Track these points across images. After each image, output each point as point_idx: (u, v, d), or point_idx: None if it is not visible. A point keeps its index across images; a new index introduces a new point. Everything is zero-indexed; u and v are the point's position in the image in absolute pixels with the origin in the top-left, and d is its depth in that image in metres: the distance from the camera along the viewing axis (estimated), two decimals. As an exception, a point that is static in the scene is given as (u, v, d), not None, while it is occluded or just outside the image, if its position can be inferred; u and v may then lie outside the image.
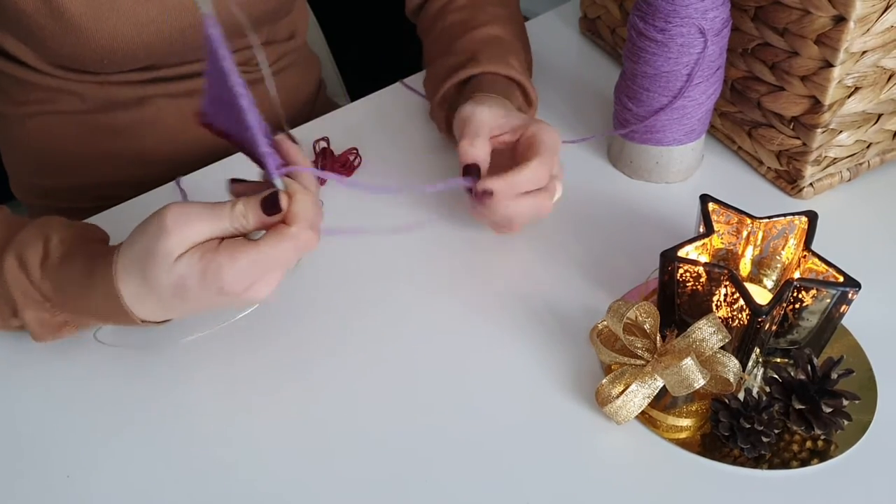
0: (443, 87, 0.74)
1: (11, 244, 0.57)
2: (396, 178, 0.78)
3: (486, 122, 0.65)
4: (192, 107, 0.86)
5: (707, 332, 0.55)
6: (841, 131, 0.70)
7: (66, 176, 0.87)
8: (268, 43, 0.89)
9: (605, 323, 0.60)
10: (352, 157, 0.78)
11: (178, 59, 0.81)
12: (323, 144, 0.78)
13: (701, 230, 0.61)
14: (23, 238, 0.57)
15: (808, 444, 0.56)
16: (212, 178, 0.78)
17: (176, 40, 0.77)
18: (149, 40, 0.75)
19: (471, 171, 0.64)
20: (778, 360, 0.61)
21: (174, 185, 0.78)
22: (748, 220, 0.61)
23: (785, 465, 0.55)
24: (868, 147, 0.74)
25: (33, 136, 0.85)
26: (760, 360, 0.60)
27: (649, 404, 0.56)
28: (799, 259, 0.59)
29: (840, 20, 0.64)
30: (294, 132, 0.84)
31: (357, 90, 1.06)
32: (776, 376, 0.56)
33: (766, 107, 0.73)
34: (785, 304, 0.57)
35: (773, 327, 0.58)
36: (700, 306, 0.59)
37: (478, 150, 0.64)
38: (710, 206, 0.61)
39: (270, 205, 0.51)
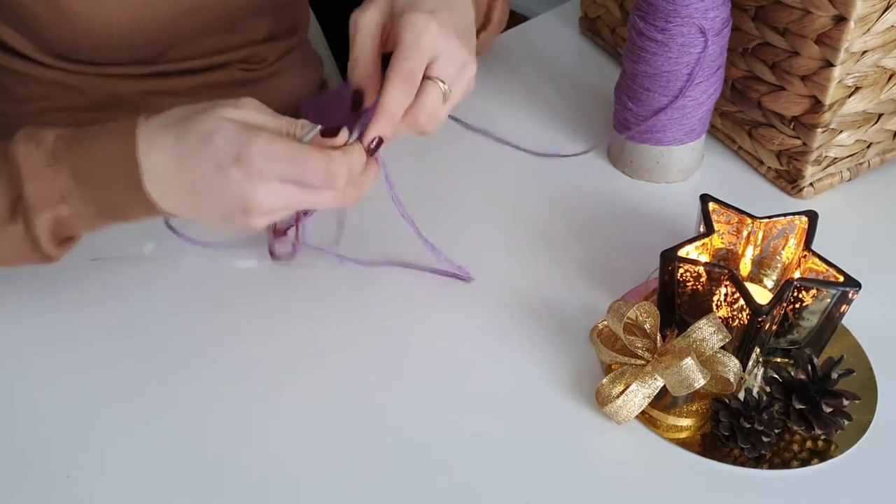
0: None
1: (22, 131, 0.56)
2: (396, 176, 0.78)
3: (367, 29, 0.57)
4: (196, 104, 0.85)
5: (707, 332, 0.55)
6: (841, 131, 0.70)
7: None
8: (271, 38, 0.89)
9: (606, 323, 0.60)
10: None
11: (178, 52, 0.81)
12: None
13: (701, 230, 0.61)
14: (35, 127, 0.56)
15: (809, 444, 0.56)
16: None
17: (173, 26, 0.76)
18: (145, 25, 0.74)
19: (357, 98, 0.58)
20: (778, 359, 0.61)
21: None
22: (748, 220, 0.61)
23: (785, 465, 0.55)
24: (868, 147, 0.74)
25: None
26: (760, 359, 0.60)
27: (649, 404, 0.56)
28: (799, 259, 0.59)
29: (840, 20, 0.64)
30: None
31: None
32: (776, 376, 0.56)
33: (766, 106, 0.73)
34: (785, 304, 0.57)
35: (774, 327, 0.58)
36: (700, 306, 0.59)
37: (360, 72, 0.57)
38: (711, 205, 0.61)
39: (331, 133, 0.52)
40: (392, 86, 0.54)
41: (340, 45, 1.18)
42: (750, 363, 0.59)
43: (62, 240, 0.57)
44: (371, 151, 0.55)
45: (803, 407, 0.54)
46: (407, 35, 0.54)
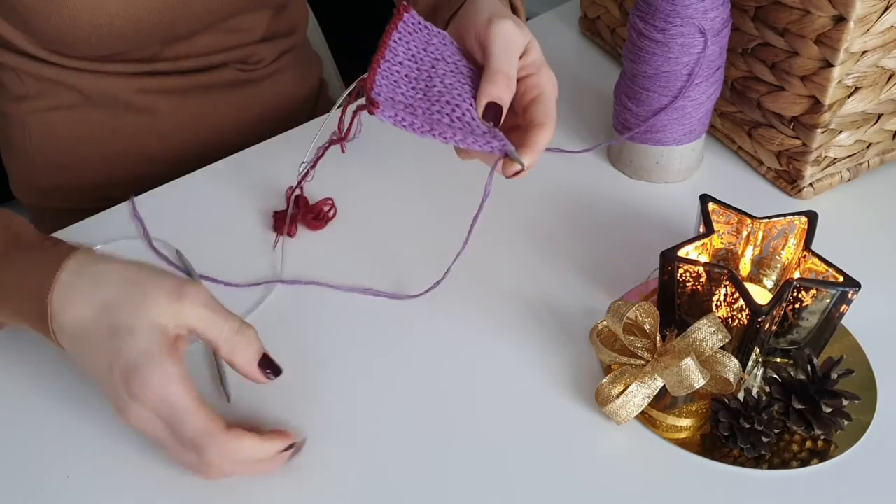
0: None
1: None
2: (396, 177, 0.78)
3: (517, 51, 0.58)
4: (192, 104, 0.85)
5: (707, 332, 0.55)
6: (841, 131, 0.70)
7: (67, 176, 0.87)
8: (268, 38, 0.89)
9: (605, 323, 0.60)
10: (326, 209, 0.73)
11: (173, 51, 0.81)
12: (297, 192, 0.72)
13: (701, 230, 0.61)
14: None
15: (808, 444, 0.56)
16: (180, 191, 0.79)
17: (165, 16, 0.75)
18: (135, 14, 0.73)
19: (491, 110, 0.57)
20: (778, 360, 0.61)
21: (168, 188, 0.78)
22: (748, 220, 0.61)
23: (785, 465, 0.55)
24: (868, 147, 0.74)
25: (34, 136, 0.85)
26: (760, 360, 0.60)
27: (649, 404, 0.56)
28: (799, 259, 0.59)
29: (840, 20, 0.64)
30: (294, 132, 0.84)
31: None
32: (776, 376, 0.56)
33: (766, 107, 0.73)
34: (785, 304, 0.57)
35: (773, 327, 0.58)
36: (700, 306, 0.59)
37: (507, 93, 0.58)
38: (710, 206, 0.61)
39: (268, 364, 0.51)
40: (550, 131, 0.59)
41: (340, 44, 1.18)
42: (749, 363, 0.59)
43: None
44: (512, 175, 0.58)
45: (803, 407, 0.54)
46: (551, 91, 0.60)
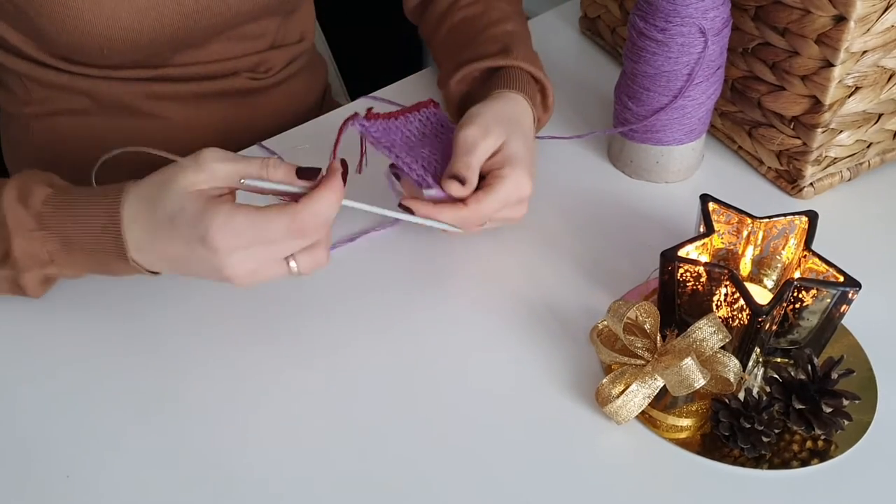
0: (469, 67, 0.73)
1: (12, 180, 0.58)
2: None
3: (484, 153, 0.62)
4: (201, 111, 0.85)
5: (707, 332, 0.55)
6: (841, 131, 0.70)
7: (68, 178, 0.87)
8: (278, 46, 0.89)
9: (606, 323, 0.60)
10: None
11: (184, 57, 0.81)
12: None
13: (701, 230, 0.61)
14: (27, 176, 0.59)
15: (809, 444, 0.56)
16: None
17: (179, 28, 0.76)
18: (150, 26, 0.74)
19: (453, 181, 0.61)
20: (778, 359, 0.61)
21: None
22: (748, 220, 0.61)
23: (785, 465, 0.55)
24: (868, 147, 0.74)
25: (39, 138, 0.84)
26: (760, 359, 0.60)
27: (649, 404, 0.56)
28: (799, 259, 0.59)
29: (840, 20, 0.64)
30: (297, 130, 0.84)
31: (356, 91, 1.06)
32: (776, 376, 0.56)
33: (766, 106, 0.73)
34: (785, 304, 0.57)
35: (774, 327, 0.58)
36: (700, 306, 0.59)
37: (471, 175, 0.62)
38: (711, 205, 0.61)
39: (305, 172, 0.54)
40: (477, 206, 0.61)
41: (340, 46, 1.18)
42: (750, 363, 0.59)
43: (46, 281, 0.61)
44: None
45: (803, 407, 0.54)
46: (507, 187, 0.62)
